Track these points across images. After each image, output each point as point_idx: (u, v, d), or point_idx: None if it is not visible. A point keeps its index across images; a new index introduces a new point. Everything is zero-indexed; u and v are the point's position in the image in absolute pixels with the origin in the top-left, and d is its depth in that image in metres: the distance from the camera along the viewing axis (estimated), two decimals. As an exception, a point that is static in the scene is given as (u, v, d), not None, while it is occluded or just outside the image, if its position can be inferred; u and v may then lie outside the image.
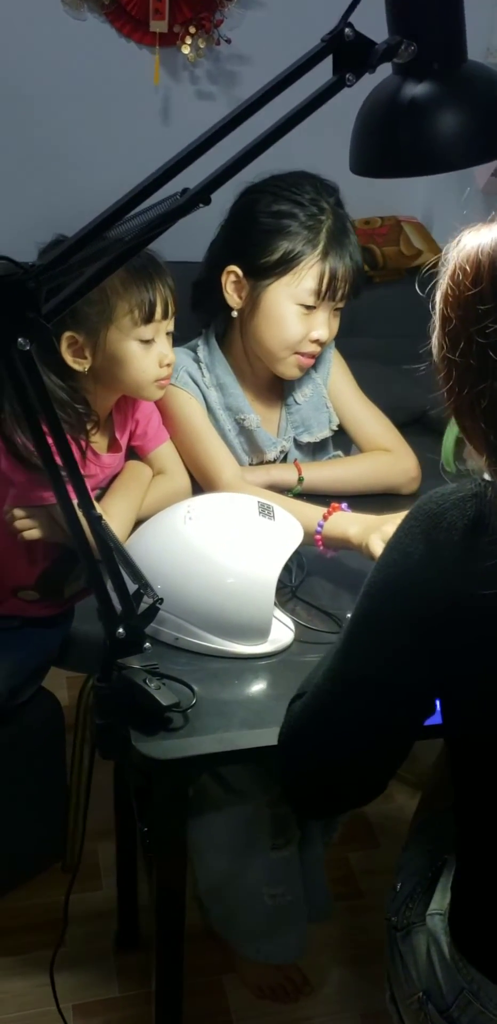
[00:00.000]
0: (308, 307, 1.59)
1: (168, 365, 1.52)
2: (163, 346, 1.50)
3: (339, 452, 1.82)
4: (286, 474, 1.69)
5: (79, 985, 1.86)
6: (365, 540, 1.36)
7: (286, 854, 1.67)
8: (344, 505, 1.47)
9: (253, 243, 1.58)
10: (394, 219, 3.27)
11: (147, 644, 1.20)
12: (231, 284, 1.62)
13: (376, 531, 1.35)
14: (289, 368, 1.65)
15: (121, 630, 1.17)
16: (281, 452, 1.75)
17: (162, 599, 1.20)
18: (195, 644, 1.29)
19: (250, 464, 1.73)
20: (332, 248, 1.57)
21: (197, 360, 1.69)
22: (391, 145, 1.15)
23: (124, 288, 1.44)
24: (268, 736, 1.15)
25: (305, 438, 1.77)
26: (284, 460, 1.77)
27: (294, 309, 1.59)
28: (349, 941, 1.97)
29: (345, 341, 3.19)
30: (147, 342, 1.48)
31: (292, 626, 1.34)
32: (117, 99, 2.74)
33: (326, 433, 1.78)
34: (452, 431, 2.23)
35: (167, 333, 1.52)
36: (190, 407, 1.66)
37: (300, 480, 1.69)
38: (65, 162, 2.74)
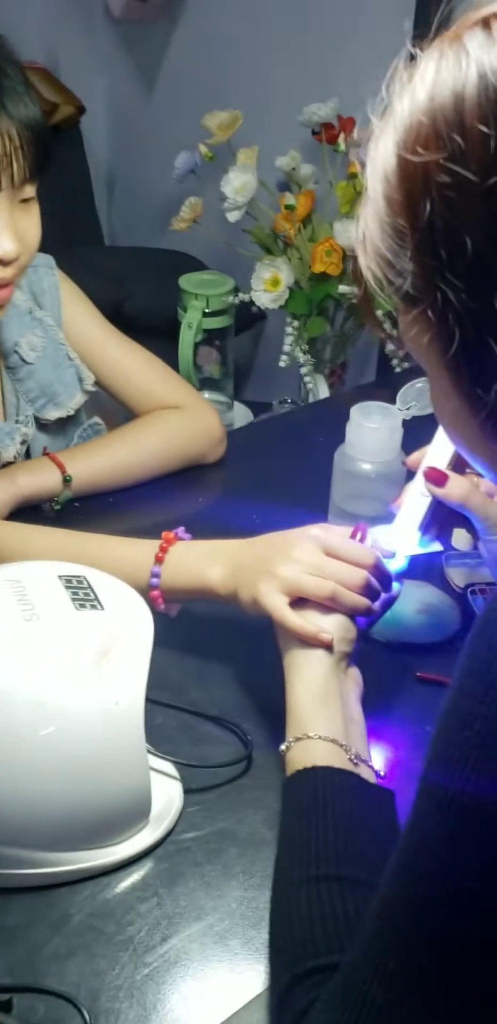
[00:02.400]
0: None
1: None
2: None
3: (98, 419, 1.25)
4: (42, 476, 1.10)
5: None
6: (250, 594, 0.84)
7: None
8: (180, 530, 0.93)
9: None
10: (15, 67, 2.57)
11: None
12: None
13: (266, 578, 0.83)
14: None
15: None
16: (22, 443, 1.14)
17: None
18: (27, 876, 0.72)
19: None
20: None
21: None
22: None
23: None
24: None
25: (52, 412, 1.17)
26: (27, 455, 1.17)
27: None
28: None
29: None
30: None
31: (174, 771, 0.81)
32: None
33: (80, 399, 1.20)
34: (188, 335, 1.75)
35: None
36: None
37: (66, 480, 1.11)
38: None
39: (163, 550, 0.90)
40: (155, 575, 0.89)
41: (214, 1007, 0.66)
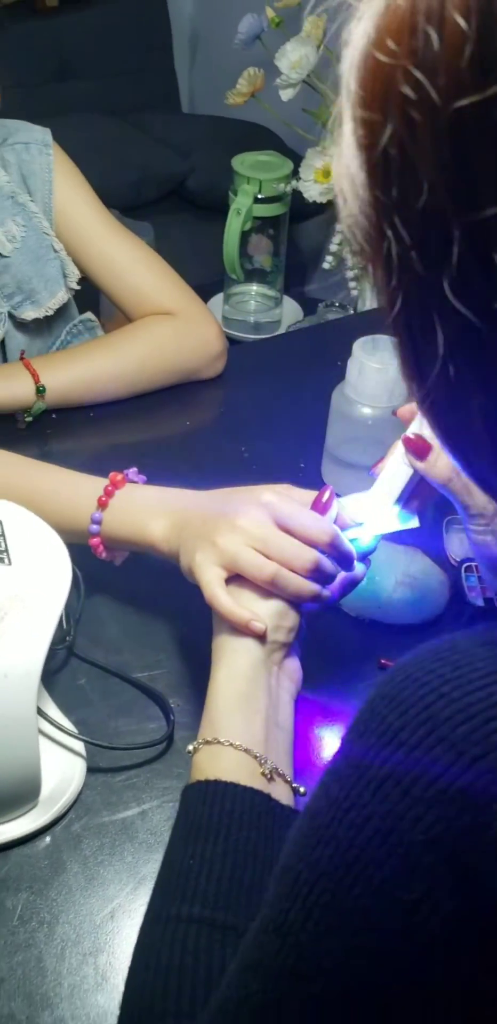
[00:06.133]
0: None
1: None
2: None
3: (91, 315, 1.14)
4: (12, 385, 1.01)
5: None
6: (187, 561, 0.73)
7: None
8: (131, 472, 0.82)
9: None
10: None
11: None
12: None
13: (206, 546, 0.72)
14: None
15: None
16: None
17: None
18: None
19: None
20: None
21: None
22: None
23: None
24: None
25: (29, 312, 1.07)
26: (4, 358, 1.07)
27: None
28: None
29: (54, 90, 2.39)
30: None
31: (80, 747, 0.73)
32: None
33: (63, 297, 1.09)
34: (235, 222, 1.62)
35: None
36: None
37: (40, 390, 1.01)
38: None
39: (108, 494, 0.80)
40: (95, 521, 0.79)
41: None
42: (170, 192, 2.18)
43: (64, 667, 0.79)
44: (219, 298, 1.67)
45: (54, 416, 1.03)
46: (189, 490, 0.78)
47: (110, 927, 0.64)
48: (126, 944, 0.63)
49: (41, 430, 1.02)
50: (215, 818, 0.61)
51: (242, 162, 1.60)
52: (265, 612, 0.69)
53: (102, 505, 0.79)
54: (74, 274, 1.08)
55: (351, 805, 0.41)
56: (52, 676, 0.77)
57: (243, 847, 0.60)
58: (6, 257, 1.04)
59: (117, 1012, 0.55)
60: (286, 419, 1.04)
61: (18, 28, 2.26)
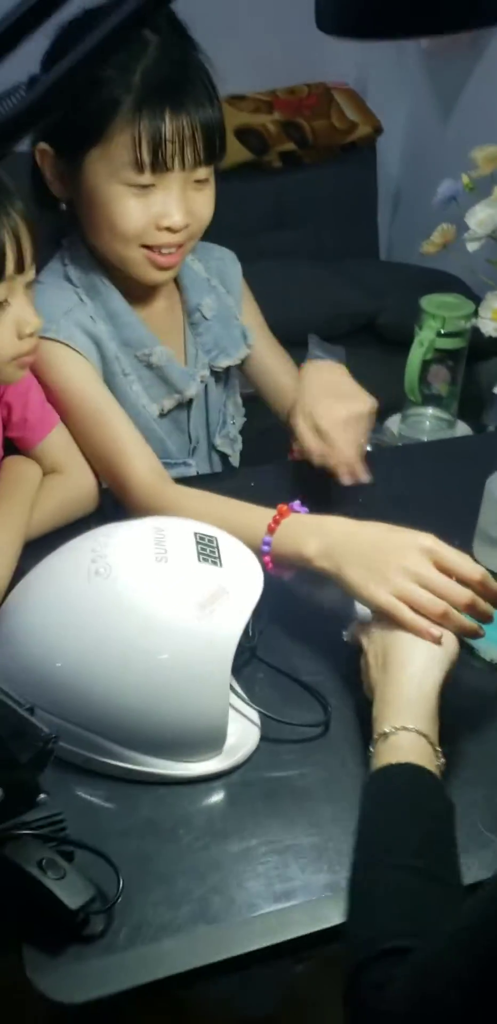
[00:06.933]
0: (140, 185, 1.12)
1: (30, 335, 1.05)
2: (21, 308, 1.04)
3: None
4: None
5: None
6: (356, 585, 0.93)
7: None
8: (296, 504, 1.04)
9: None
10: (322, 86, 2.75)
11: (42, 796, 0.78)
12: (48, 168, 1.17)
13: (378, 579, 0.91)
14: (141, 268, 1.19)
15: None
16: (201, 382, 1.32)
17: (57, 737, 0.77)
18: (113, 767, 0.87)
19: (161, 413, 1.28)
20: (151, 95, 1.08)
21: (74, 286, 1.22)
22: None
23: None
24: (242, 938, 0.75)
25: (222, 362, 1.34)
26: (205, 393, 1.35)
27: (119, 189, 1.13)
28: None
29: (271, 237, 2.74)
30: None
31: (256, 718, 0.93)
32: None
33: (243, 352, 1.36)
34: (418, 352, 1.84)
35: (27, 285, 1.05)
36: (75, 370, 1.19)
37: None
38: None
39: (276, 521, 1.02)
40: (266, 543, 1.02)
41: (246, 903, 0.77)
42: (362, 327, 2.43)
43: (248, 665, 0.99)
44: (396, 417, 1.87)
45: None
46: (343, 518, 0.98)
47: (272, 842, 0.82)
48: (276, 855, 0.80)
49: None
50: (411, 792, 0.78)
51: (429, 302, 1.82)
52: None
53: (271, 531, 1.01)
54: (251, 336, 1.36)
55: None
56: (240, 670, 0.97)
57: (432, 818, 0.76)
58: (208, 321, 1.32)
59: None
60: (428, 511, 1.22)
61: (245, 184, 2.62)
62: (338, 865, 0.80)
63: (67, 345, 1.18)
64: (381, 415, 1.68)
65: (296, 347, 1.44)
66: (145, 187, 1.12)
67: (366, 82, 2.82)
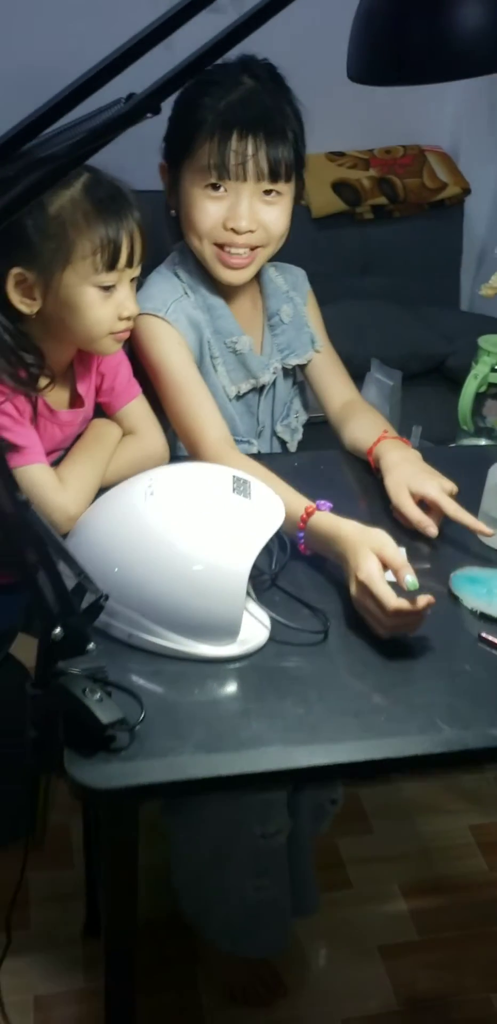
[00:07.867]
0: (214, 186, 1.39)
1: (127, 318, 1.31)
2: (125, 295, 1.30)
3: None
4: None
5: (42, 974, 1.73)
6: (355, 555, 1.16)
7: (275, 844, 1.50)
8: (321, 503, 1.26)
9: (171, 128, 1.43)
10: (417, 148, 3.00)
11: (91, 645, 1.01)
12: (165, 180, 1.48)
13: (365, 551, 1.16)
14: (212, 263, 1.46)
15: (58, 630, 0.98)
16: (272, 373, 1.57)
17: (107, 595, 1.01)
18: (150, 643, 1.10)
19: (238, 393, 1.53)
20: (227, 119, 1.35)
21: (181, 281, 1.49)
22: (399, 44, 0.93)
23: (87, 224, 1.23)
24: (226, 763, 0.97)
25: (292, 360, 1.59)
26: (273, 385, 1.59)
27: (200, 192, 1.40)
28: (334, 936, 1.81)
29: (357, 281, 2.99)
30: (107, 288, 1.27)
31: (267, 623, 1.14)
32: None
33: (310, 355, 1.61)
34: (472, 384, 2.03)
35: (132, 280, 1.31)
36: (176, 347, 1.45)
37: None
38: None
39: (303, 520, 1.25)
40: (300, 537, 1.25)
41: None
42: (432, 369, 2.65)
43: (269, 589, 1.21)
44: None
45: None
46: (353, 522, 1.22)
47: (261, 718, 1.03)
48: (267, 718, 1.01)
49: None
50: None
51: (486, 340, 2.02)
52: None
53: (301, 528, 1.25)
54: (318, 342, 1.60)
55: None
56: (262, 593, 1.19)
57: None
58: (285, 324, 1.57)
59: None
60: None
61: (337, 232, 2.88)
62: (318, 731, 1.01)
63: (173, 326, 1.44)
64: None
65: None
66: (219, 192, 1.39)
67: (459, 145, 3.05)
